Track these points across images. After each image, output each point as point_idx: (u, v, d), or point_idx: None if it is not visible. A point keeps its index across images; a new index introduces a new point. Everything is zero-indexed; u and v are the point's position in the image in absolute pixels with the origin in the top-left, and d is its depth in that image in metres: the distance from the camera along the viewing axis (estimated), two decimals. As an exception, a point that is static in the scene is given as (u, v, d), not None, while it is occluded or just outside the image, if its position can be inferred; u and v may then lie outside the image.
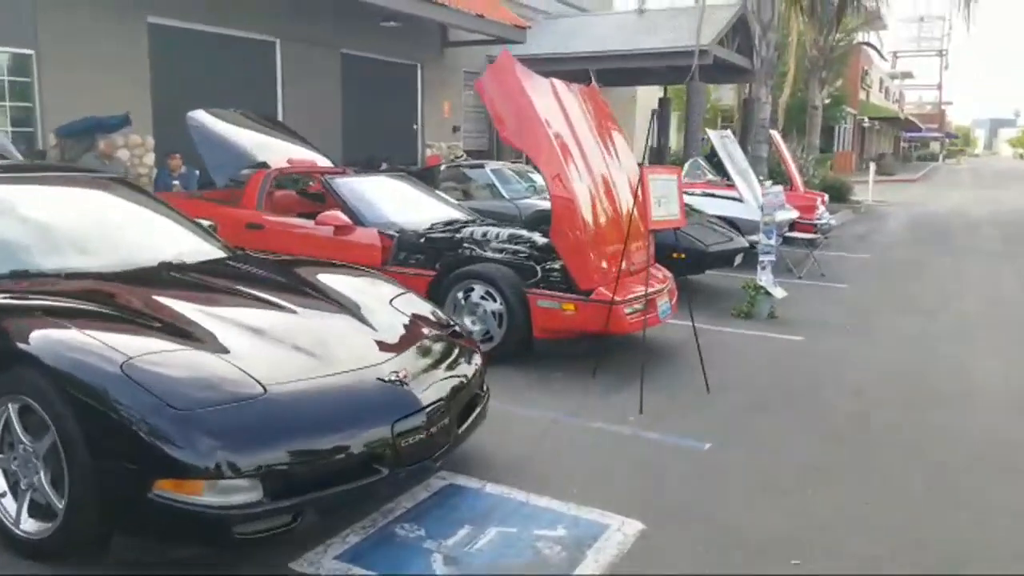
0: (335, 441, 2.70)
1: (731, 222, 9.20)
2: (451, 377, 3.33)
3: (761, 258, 7.27)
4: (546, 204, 6.47)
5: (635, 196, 5.07)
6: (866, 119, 45.52)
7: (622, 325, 5.13)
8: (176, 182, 9.32)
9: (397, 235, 5.78)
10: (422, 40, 14.86)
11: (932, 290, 9.00)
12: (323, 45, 12.82)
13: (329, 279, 3.78)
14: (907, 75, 65.04)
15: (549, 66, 15.51)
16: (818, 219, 11.41)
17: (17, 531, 2.71)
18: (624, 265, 5.38)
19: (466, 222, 6.27)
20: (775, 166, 14.47)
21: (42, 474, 2.64)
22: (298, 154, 7.11)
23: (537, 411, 4.43)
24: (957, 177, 41.51)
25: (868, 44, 33.66)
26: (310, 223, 6.01)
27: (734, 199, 9.99)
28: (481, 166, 9.46)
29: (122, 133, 9.37)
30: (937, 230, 15.57)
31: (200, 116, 6.77)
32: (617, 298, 5.09)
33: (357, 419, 2.79)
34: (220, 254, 4.04)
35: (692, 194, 10.46)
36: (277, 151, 6.94)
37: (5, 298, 2.97)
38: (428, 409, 2.99)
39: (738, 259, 8.17)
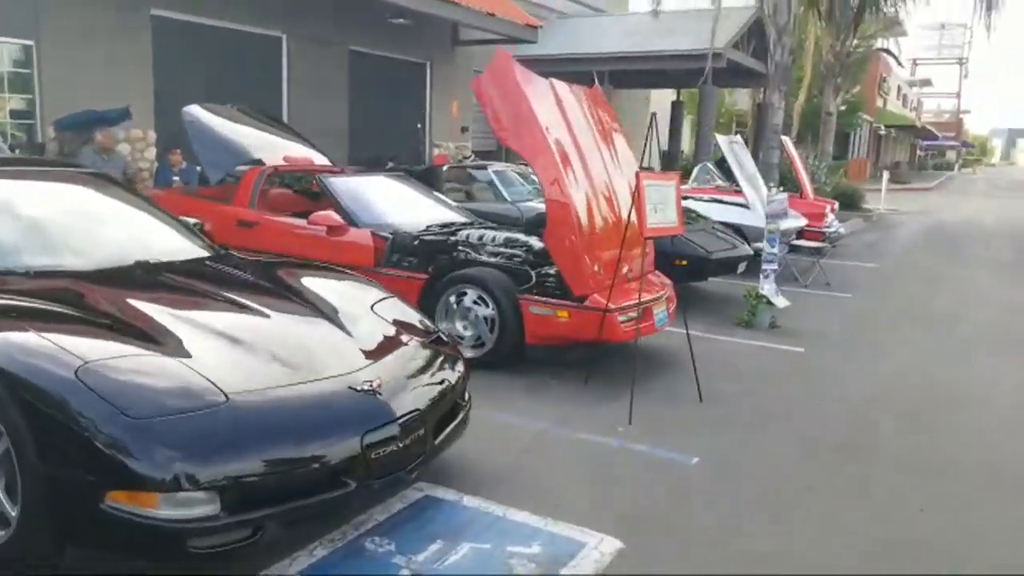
0: (300, 453, 2.60)
1: (738, 229, 9.07)
2: (430, 386, 3.23)
3: (764, 266, 7.14)
4: (547, 207, 6.35)
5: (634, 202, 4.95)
6: (882, 127, 45.11)
7: (616, 333, 5.01)
8: (176, 177, 9.27)
9: (391, 236, 5.68)
10: (432, 38, 14.76)
11: (940, 301, 8.82)
12: (331, 41, 12.73)
13: (310, 282, 3.68)
14: (926, 83, 64.40)
15: (561, 66, 15.44)
16: (827, 227, 11.25)
17: (-29, 538, 2.62)
18: (624, 271, 5.27)
19: (463, 224, 6.16)
20: (786, 172, 14.30)
21: (-4, 480, 2.56)
22: (295, 152, 7.03)
23: (524, 420, 4.32)
24: (972, 187, 41.08)
25: (886, 51, 33.30)
26: (303, 222, 5.92)
27: (741, 205, 9.84)
28: (484, 167, 9.35)
29: (122, 127, 9.31)
30: (949, 240, 15.34)
31: (195, 111, 6.69)
32: (612, 305, 4.98)
33: (324, 430, 2.69)
34: (201, 253, 3.95)
35: (700, 200, 10.36)
36: (273, 148, 6.86)
37: (-33, 297, 2.89)
38: (402, 420, 2.89)
39: (742, 267, 8.03)
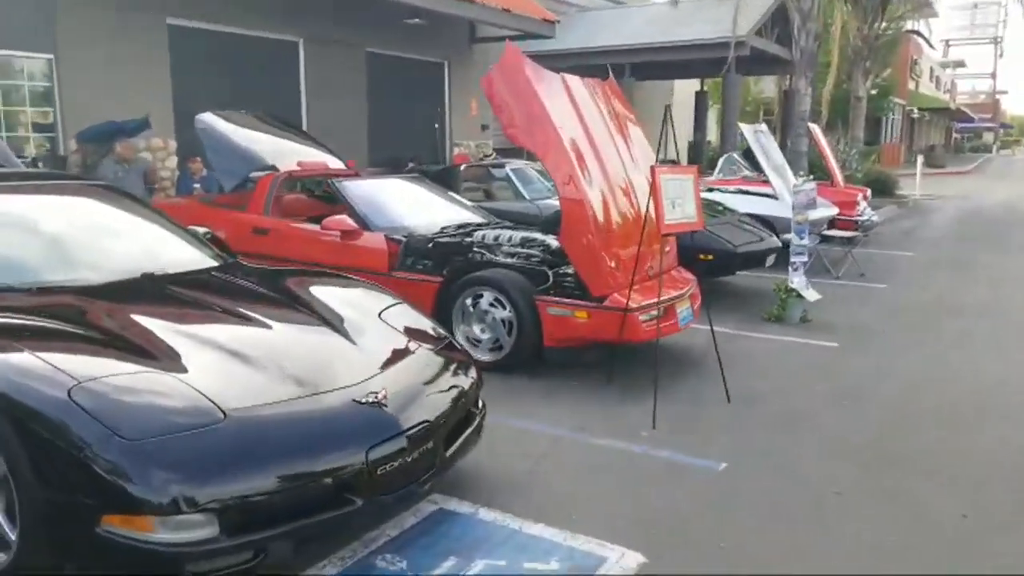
0: (302, 470, 2.50)
1: (766, 220, 8.83)
2: (440, 395, 3.12)
3: (793, 259, 6.91)
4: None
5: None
6: (915, 110, 44.09)
7: (637, 333, 4.86)
8: (197, 185, 9.29)
9: (404, 240, 5.58)
10: (449, 37, 14.66)
11: (980, 292, 8.48)
12: (347, 44, 12.70)
13: (317, 291, 3.58)
14: (959, 64, 62.86)
15: (580, 60, 15.28)
16: (859, 215, 10.92)
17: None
18: (645, 268, 5.11)
19: (478, 225, 6.05)
20: (815, 160, 13.96)
21: (-4, 503, 2.50)
22: (309, 156, 6.96)
23: (543, 425, 4.19)
24: (1011, 169, 39.98)
25: (916, 32, 32.49)
26: (316, 227, 5.85)
27: (769, 196, 9.59)
28: (502, 166, 9.21)
29: (143, 136, 9.34)
30: (987, 226, 14.87)
31: (208, 119, 6.65)
32: (632, 304, 4.82)
33: (327, 446, 2.59)
34: (210, 263, 3.88)
35: (725, 191, 10.13)
36: (287, 153, 6.79)
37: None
38: (409, 432, 2.78)
39: (770, 259, 7.80)
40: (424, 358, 3.27)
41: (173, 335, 2.81)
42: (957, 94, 64.59)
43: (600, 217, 4.92)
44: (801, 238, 7.00)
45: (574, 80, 5.38)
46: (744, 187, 10.50)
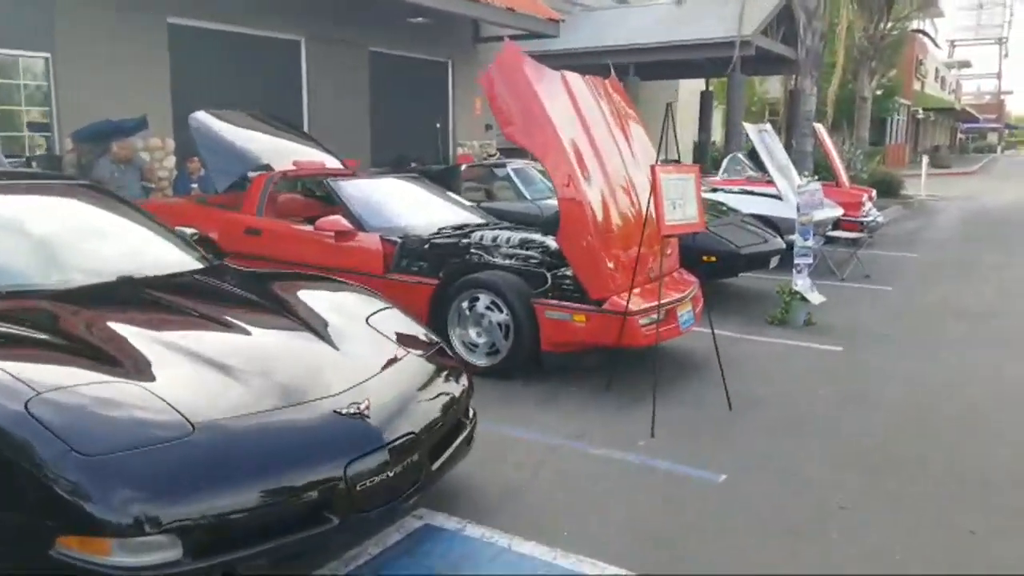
0: (275, 487, 2.36)
1: (770, 221, 8.68)
2: (428, 404, 2.99)
3: (797, 261, 6.76)
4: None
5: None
6: (920, 110, 43.82)
7: (637, 338, 4.71)
8: (195, 185, 9.18)
9: (400, 241, 5.45)
10: (453, 36, 14.53)
11: (987, 294, 8.32)
12: (350, 43, 12.57)
13: (303, 295, 3.45)
14: (964, 64, 62.59)
15: (585, 60, 15.12)
16: (864, 216, 10.76)
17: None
18: (647, 271, 4.97)
19: (477, 226, 5.91)
20: (820, 160, 13.79)
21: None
22: (306, 156, 6.83)
23: (538, 434, 4.05)
24: (1016, 170, 39.67)
25: (922, 32, 32.27)
26: (309, 228, 5.71)
27: (773, 196, 9.43)
28: (503, 165, 9.07)
29: (141, 136, 9.23)
30: (993, 226, 14.69)
31: (202, 117, 6.52)
32: (632, 308, 4.68)
33: (303, 460, 2.45)
34: (194, 265, 3.74)
35: (730, 192, 9.98)
36: (283, 153, 6.65)
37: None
38: (392, 445, 2.64)
39: (774, 261, 7.66)
40: (412, 365, 3.13)
41: (145, 342, 2.67)
42: (962, 95, 64.27)
43: (600, 218, 4.78)
44: (805, 239, 6.85)
45: (575, 77, 5.24)
46: (748, 187, 10.35)
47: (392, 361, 3.07)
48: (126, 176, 8.59)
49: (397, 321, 3.46)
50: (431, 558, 2.83)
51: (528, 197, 8.40)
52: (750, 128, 10.18)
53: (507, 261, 5.19)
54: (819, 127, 13.11)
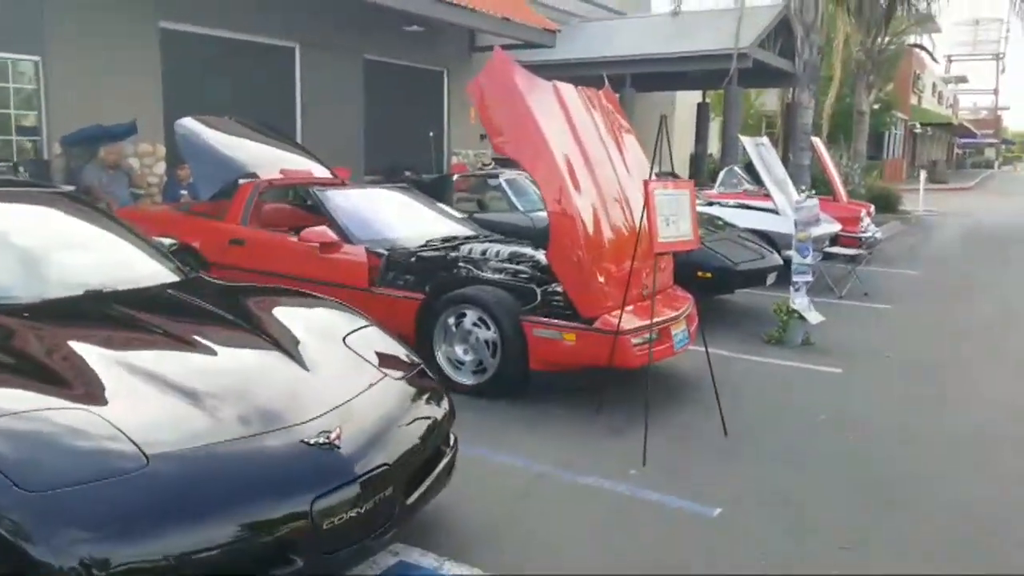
0: (234, 526, 2.19)
1: (767, 236, 8.55)
2: (404, 432, 2.81)
3: (795, 278, 6.60)
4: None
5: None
6: (918, 125, 43.88)
7: (629, 358, 4.55)
8: (184, 192, 9.01)
9: (386, 253, 5.29)
10: (448, 45, 14.43)
11: (989, 312, 8.18)
12: (344, 50, 12.44)
13: (279, 312, 3.28)
14: (961, 79, 62.76)
15: (580, 70, 15.02)
16: (863, 232, 10.64)
17: None
18: (641, 289, 4.82)
19: (466, 238, 5.76)
20: (818, 175, 13.69)
21: None
22: (294, 164, 6.68)
23: (524, 460, 3.88)
24: (1013, 185, 39.73)
25: (919, 46, 32.30)
26: (294, 239, 5.56)
27: (770, 211, 9.30)
28: (496, 175, 8.93)
29: (130, 141, 9.08)
30: (993, 242, 14.58)
31: (189, 124, 6.38)
32: (624, 326, 4.52)
33: (266, 496, 2.27)
34: (168, 278, 3.57)
35: (726, 205, 9.85)
36: (271, 161, 6.51)
37: None
38: (364, 478, 2.47)
39: (771, 277, 7.52)
40: (389, 389, 2.96)
41: (104, 363, 2.50)
42: (959, 109, 64.46)
43: (591, 232, 4.63)
44: (804, 256, 6.70)
45: (567, 88, 5.10)
46: (745, 201, 10.23)
47: (368, 384, 2.90)
48: (114, 182, 8.44)
49: (376, 340, 3.29)
50: (405, 598, 2.66)
51: (520, 208, 8.26)
52: (747, 141, 10.06)
53: (496, 276, 5.04)
54: (817, 141, 13.01)
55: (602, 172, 4.97)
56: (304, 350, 2.92)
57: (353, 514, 2.40)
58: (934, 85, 50.17)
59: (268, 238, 5.80)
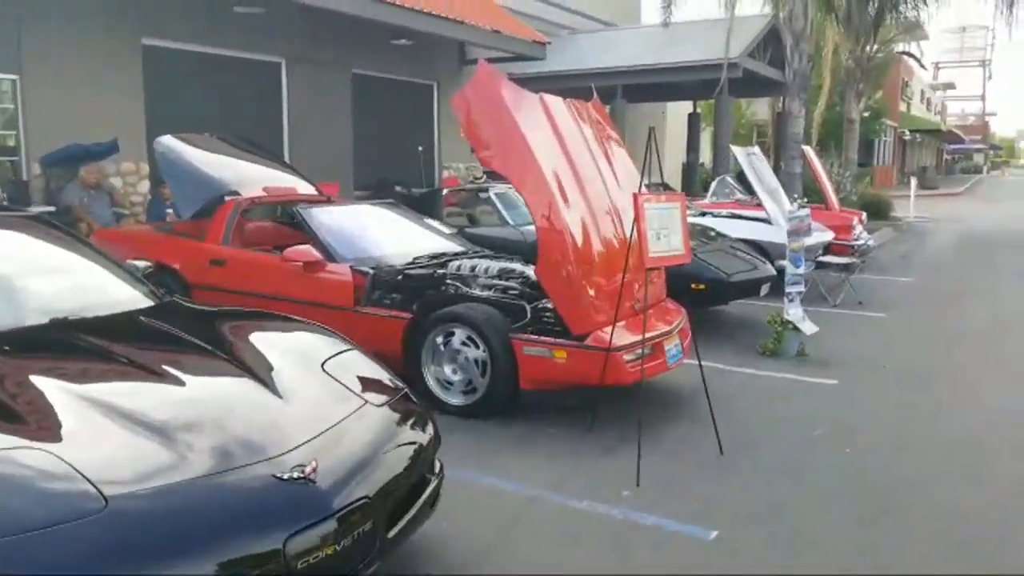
0: (200, 568, 2.05)
1: (759, 246, 8.46)
2: (385, 462, 2.67)
3: (788, 289, 6.51)
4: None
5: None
6: (907, 132, 44.08)
7: (622, 375, 4.43)
8: (169, 211, 8.87)
9: (372, 272, 5.17)
10: (438, 59, 14.36)
11: (984, 319, 8.10)
12: (332, 65, 12.35)
13: (255, 337, 3.14)
14: (949, 86, 63.27)
15: (570, 82, 14.97)
16: (855, 240, 10.56)
17: None
18: (632, 304, 4.70)
19: (455, 255, 5.64)
20: (810, 183, 13.64)
21: None
22: (277, 181, 6.56)
23: (513, 483, 3.74)
24: (1002, 190, 39.88)
25: (908, 54, 32.46)
26: (277, 258, 5.43)
27: (763, 221, 9.22)
28: (486, 189, 8.83)
29: (113, 160, 8.95)
30: (984, 248, 14.54)
31: (168, 142, 6.25)
32: (616, 343, 4.40)
33: (235, 537, 2.13)
34: (141, 303, 3.44)
35: (718, 215, 9.76)
36: (253, 178, 6.38)
37: None
38: (342, 513, 2.34)
39: (765, 288, 7.41)
40: (370, 416, 2.83)
41: (63, 396, 2.37)
42: (947, 116, 64.87)
43: (580, 247, 4.52)
44: (797, 267, 6.61)
45: (554, 100, 5.00)
46: (737, 211, 10.14)
47: (348, 412, 2.77)
48: (96, 202, 8.30)
49: (357, 365, 3.15)
50: (387, 638, 2.52)
51: (511, 222, 8.15)
52: (738, 151, 9.98)
53: (485, 293, 4.93)
54: (808, 149, 12.97)
55: (591, 185, 4.86)
56: (279, 378, 2.79)
57: (330, 551, 2.27)
58: (922, 92, 50.50)
59: (250, 258, 5.67)
